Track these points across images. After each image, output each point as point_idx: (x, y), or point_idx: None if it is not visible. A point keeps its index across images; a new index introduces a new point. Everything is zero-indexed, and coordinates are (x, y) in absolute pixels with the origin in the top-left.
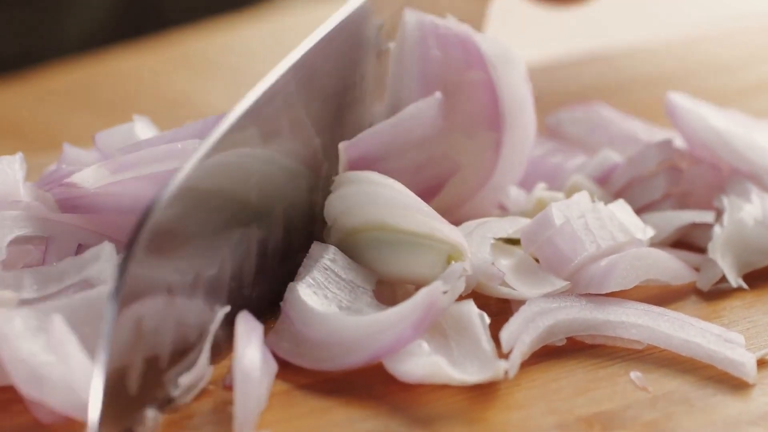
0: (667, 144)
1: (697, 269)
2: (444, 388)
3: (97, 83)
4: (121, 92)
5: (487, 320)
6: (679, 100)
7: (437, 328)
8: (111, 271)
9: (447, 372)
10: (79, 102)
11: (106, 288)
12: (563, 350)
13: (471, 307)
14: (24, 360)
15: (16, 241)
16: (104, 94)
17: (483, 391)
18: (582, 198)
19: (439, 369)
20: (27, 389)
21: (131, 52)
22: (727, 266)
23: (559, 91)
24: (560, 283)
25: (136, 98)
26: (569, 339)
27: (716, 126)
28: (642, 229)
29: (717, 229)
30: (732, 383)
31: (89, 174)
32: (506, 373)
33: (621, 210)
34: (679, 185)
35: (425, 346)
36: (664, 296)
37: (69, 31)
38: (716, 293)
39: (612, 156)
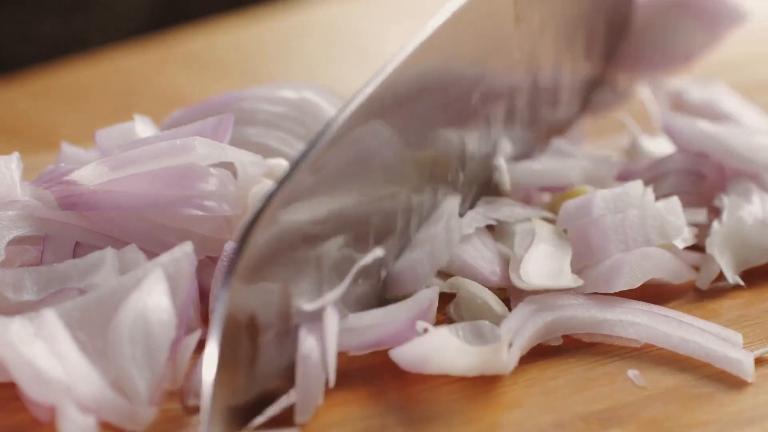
0: (697, 157)
1: (696, 268)
2: (443, 386)
3: (97, 83)
4: (120, 92)
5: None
6: (672, 115)
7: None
8: (114, 279)
9: (452, 344)
10: (79, 102)
11: (100, 293)
12: (561, 348)
13: None
14: (28, 362)
15: (15, 241)
16: (104, 94)
17: (481, 390)
18: (633, 189)
19: (445, 343)
20: (31, 390)
21: (131, 52)
22: (724, 262)
23: None
24: (567, 283)
25: (135, 98)
26: (567, 337)
27: (712, 132)
28: (682, 236)
29: (716, 225)
30: (729, 382)
31: (88, 171)
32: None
33: (670, 209)
34: (697, 189)
35: (430, 328)
36: (662, 295)
37: (96, 26)
38: (714, 292)
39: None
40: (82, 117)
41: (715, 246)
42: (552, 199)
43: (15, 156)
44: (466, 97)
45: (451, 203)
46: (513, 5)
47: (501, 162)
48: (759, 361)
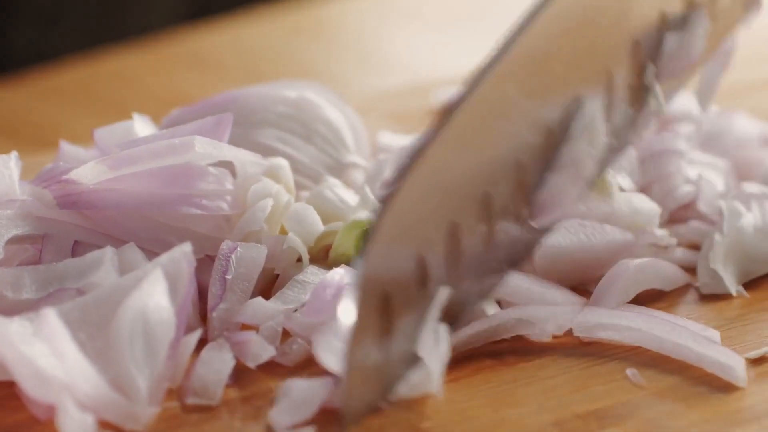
0: None
1: (690, 269)
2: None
3: (97, 83)
4: (120, 92)
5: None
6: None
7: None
8: (113, 279)
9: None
10: (78, 101)
11: (100, 293)
12: (559, 347)
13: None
14: (28, 361)
15: (13, 240)
16: (103, 94)
17: (480, 389)
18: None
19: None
20: (31, 389)
21: (130, 52)
22: (728, 276)
23: None
24: None
25: (135, 98)
26: (565, 335)
27: None
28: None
29: (717, 237)
30: (727, 380)
31: (87, 170)
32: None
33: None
34: None
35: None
36: (659, 295)
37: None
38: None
39: None
40: (82, 117)
41: (719, 262)
42: None
43: (13, 155)
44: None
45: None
46: None
47: (656, 86)
48: (757, 361)
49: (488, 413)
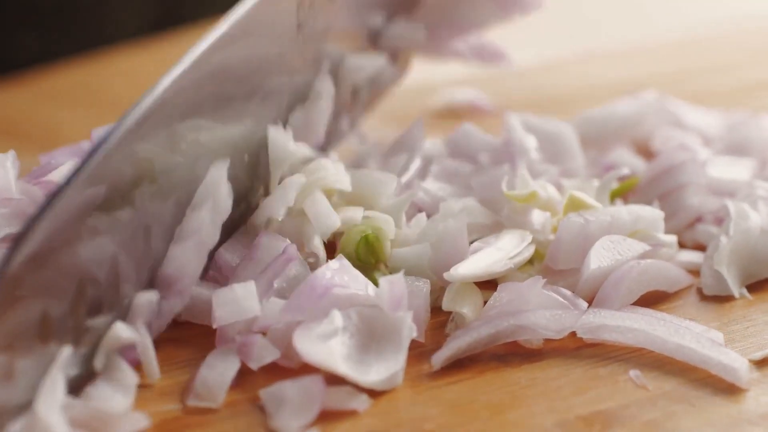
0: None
1: (695, 272)
2: (444, 387)
3: (97, 83)
4: (121, 92)
5: (414, 334)
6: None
7: (368, 327)
8: None
9: (337, 365)
10: (79, 102)
11: None
12: (563, 348)
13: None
14: None
15: (8, 238)
16: (104, 94)
17: (483, 390)
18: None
19: (331, 358)
20: None
21: (131, 53)
22: (731, 278)
23: (559, 91)
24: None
25: (135, 98)
26: (569, 337)
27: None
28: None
29: (723, 240)
30: (731, 382)
31: (63, 171)
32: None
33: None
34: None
35: (338, 335)
36: (663, 296)
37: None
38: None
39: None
40: (82, 117)
41: (723, 264)
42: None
43: (10, 154)
44: (245, 103)
45: (218, 172)
46: (296, 13)
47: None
48: (761, 362)
49: (491, 415)
